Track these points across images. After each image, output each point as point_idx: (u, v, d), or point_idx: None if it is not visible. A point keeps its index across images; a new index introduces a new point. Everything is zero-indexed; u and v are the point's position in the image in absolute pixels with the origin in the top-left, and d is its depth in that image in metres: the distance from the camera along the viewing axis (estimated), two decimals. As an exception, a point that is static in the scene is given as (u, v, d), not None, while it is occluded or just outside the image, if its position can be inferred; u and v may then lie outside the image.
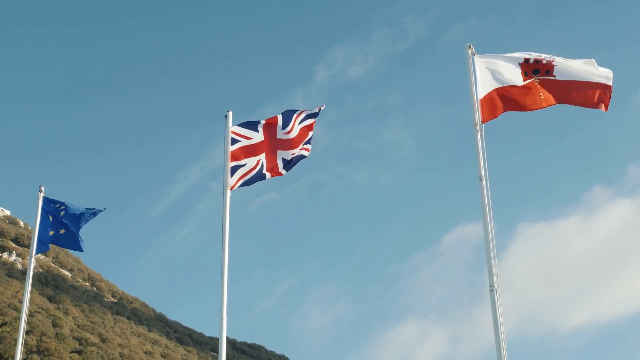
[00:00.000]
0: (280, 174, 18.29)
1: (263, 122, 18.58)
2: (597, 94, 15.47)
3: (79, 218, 21.82)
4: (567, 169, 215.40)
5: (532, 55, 15.88)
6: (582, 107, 15.63)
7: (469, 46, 16.41)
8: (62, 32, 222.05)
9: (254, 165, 18.28)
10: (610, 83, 15.50)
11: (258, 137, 18.46)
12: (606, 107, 15.47)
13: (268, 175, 18.26)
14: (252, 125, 18.61)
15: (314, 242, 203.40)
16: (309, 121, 18.58)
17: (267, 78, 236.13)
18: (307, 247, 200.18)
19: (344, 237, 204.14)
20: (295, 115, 18.61)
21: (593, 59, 15.76)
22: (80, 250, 21.96)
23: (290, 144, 18.44)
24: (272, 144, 18.39)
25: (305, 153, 18.43)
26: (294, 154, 18.36)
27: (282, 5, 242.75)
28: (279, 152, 18.30)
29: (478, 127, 15.68)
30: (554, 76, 15.62)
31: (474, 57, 16.27)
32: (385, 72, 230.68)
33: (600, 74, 15.56)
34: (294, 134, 18.50)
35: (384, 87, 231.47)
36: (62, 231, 21.73)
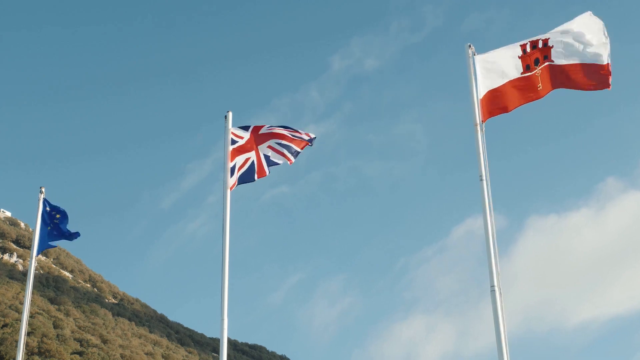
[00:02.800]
0: (265, 174, 18.67)
1: (252, 126, 18.92)
2: (596, 77, 15.35)
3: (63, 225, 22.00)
4: (581, 161, 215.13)
5: (528, 41, 15.80)
6: (585, 91, 15.50)
7: (469, 46, 16.39)
8: (63, 33, 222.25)
9: (242, 162, 18.60)
10: (606, 60, 15.32)
11: (246, 136, 18.73)
12: (609, 85, 15.34)
13: (256, 176, 18.59)
14: (245, 128, 18.92)
15: (324, 235, 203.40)
16: (299, 139, 18.84)
17: (279, 74, 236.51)
18: (317, 240, 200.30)
19: (355, 230, 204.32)
20: (282, 126, 19.01)
21: (588, 12, 15.60)
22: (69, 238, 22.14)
23: (270, 136, 18.85)
24: (257, 141, 18.83)
25: (284, 161, 18.77)
26: (273, 148, 18.69)
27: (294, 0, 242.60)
28: (259, 147, 18.69)
29: (478, 127, 15.67)
30: (553, 61, 15.58)
31: (474, 56, 16.25)
32: (400, 65, 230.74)
33: (596, 48, 15.36)
34: (276, 130, 18.93)
35: (398, 80, 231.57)
36: (48, 228, 21.91)
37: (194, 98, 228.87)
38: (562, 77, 15.45)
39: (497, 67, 15.88)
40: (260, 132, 18.88)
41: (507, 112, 15.76)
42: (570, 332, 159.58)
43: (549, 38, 15.65)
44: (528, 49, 15.74)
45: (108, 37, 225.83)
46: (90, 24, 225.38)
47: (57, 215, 21.90)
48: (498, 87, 15.78)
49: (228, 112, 18.95)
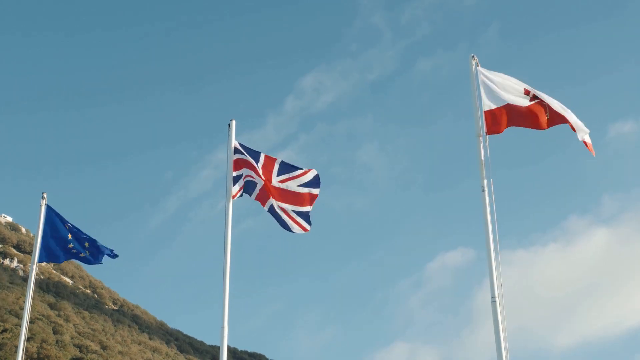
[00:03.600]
0: (263, 205, 18.39)
1: (263, 157, 18.66)
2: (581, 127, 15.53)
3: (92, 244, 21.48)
4: (542, 198, 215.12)
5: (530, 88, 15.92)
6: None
7: (473, 57, 16.46)
8: (65, 39, 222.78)
9: (246, 174, 18.43)
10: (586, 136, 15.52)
11: (256, 164, 18.50)
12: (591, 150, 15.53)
13: (255, 196, 18.40)
14: (253, 154, 18.69)
15: (294, 270, 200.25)
16: (313, 190, 18.50)
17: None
18: (288, 274, 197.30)
19: (326, 265, 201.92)
20: (292, 173, 18.56)
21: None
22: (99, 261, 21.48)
23: (285, 196, 18.41)
24: (268, 188, 18.42)
25: (300, 231, 18.40)
26: (286, 212, 18.31)
27: (267, 25, 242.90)
28: (271, 199, 18.29)
29: (482, 138, 15.70)
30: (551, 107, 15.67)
31: (477, 68, 16.31)
32: (356, 98, 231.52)
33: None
34: (290, 187, 18.46)
35: (355, 112, 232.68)
36: (86, 252, 21.42)
37: (198, 105, 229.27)
38: (564, 115, 15.54)
39: (504, 89, 15.92)
40: (272, 182, 18.39)
41: (510, 126, 15.80)
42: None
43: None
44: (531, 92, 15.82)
45: (110, 43, 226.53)
46: (93, 30, 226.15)
47: (86, 244, 21.42)
48: (505, 106, 15.80)
49: (232, 120, 18.97)
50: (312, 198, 18.47)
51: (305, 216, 18.35)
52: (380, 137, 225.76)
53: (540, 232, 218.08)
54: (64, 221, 21.44)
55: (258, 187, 18.45)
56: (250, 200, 18.59)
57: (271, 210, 18.39)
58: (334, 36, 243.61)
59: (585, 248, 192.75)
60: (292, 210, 18.32)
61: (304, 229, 18.34)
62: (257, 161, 18.57)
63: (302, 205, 18.40)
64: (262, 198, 18.44)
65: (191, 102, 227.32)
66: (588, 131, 15.55)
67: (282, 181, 18.52)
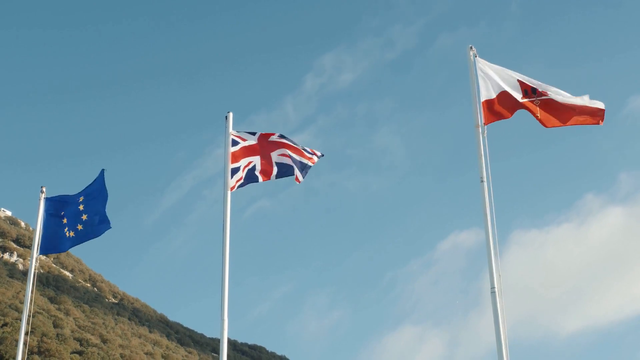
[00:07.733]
0: (269, 178, 18.46)
1: (259, 133, 18.74)
2: (593, 113, 15.54)
3: (96, 198, 21.16)
4: (558, 177, 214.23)
5: (526, 79, 15.91)
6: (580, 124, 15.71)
7: (471, 48, 16.41)
8: (62, 33, 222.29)
9: (246, 164, 18.44)
10: (603, 107, 15.58)
11: (252, 140, 18.60)
12: (602, 121, 15.61)
13: (260, 178, 18.41)
14: (251, 133, 18.77)
15: (308, 250, 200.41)
16: (308, 155, 18.63)
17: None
18: (301, 254, 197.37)
19: (338, 245, 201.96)
20: (291, 141, 18.74)
21: (587, 95, 15.77)
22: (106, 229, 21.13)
23: (281, 145, 18.59)
24: (265, 147, 18.59)
25: (309, 163, 18.49)
26: (289, 156, 18.44)
27: (285, 5, 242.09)
28: (271, 154, 18.44)
29: (480, 129, 15.67)
30: (551, 97, 15.64)
31: (475, 58, 16.27)
32: (376, 79, 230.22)
33: (593, 103, 15.62)
34: (286, 141, 18.69)
35: (374, 93, 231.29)
36: (79, 227, 21.26)
37: (195, 99, 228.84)
38: (563, 113, 15.54)
39: (502, 79, 15.92)
40: (269, 139, 18.70)
41: (510, 116, 15.79)
42: (559, 343, 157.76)
43: (548, 91, 15.72)
44: (528, 83, 15.79)
45: (108, 37, 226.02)
46: (90, 24, 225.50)
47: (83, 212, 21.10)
48: (504, 92, 15.79)
49: (228, 112, 18.96)
50: (311, 160, 18.55)
51: (303, 166, 18.43)
52: (398, 118, 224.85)
53: (555, 212, 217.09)
54: (62, 202, 21.32)
55: (259, 167, 18.51)
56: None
57: (278, 167, 18.44)
58: (355, 13, 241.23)
59: (598, 228, 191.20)
60: (289, 155, 18.41)
61: (297, 178, 18.36)
62: (252, 135, 18.73)
63: (302, 156, 18.55)
64: (266, 170, 18.54)
65: (191, 94, 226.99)
66: (602, 108, 15.54)
67: (281, 137, 18.68)
